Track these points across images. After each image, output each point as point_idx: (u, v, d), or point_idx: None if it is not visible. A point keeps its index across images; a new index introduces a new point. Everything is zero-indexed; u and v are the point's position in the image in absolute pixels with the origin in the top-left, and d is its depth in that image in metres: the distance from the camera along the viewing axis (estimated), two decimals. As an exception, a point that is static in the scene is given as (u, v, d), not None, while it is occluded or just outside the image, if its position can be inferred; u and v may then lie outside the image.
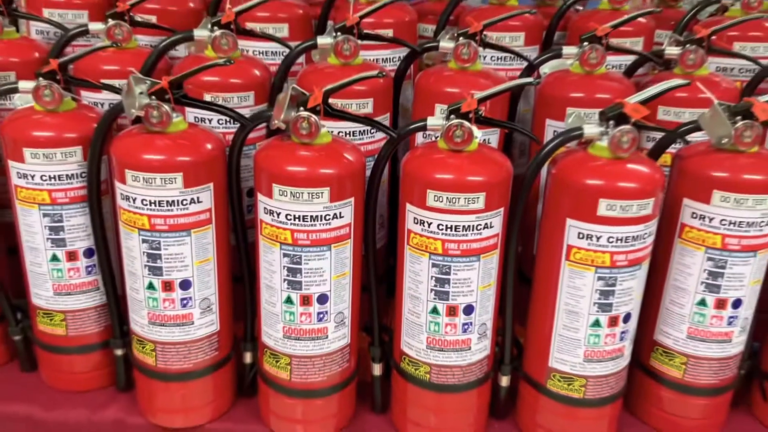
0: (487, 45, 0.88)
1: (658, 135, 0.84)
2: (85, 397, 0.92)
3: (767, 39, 0.98)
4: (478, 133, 0.74)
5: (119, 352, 0.89)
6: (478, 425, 0.87)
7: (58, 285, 0.86)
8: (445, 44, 0.88)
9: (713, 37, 0.91)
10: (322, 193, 0.73)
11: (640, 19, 1.04)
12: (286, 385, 0.83)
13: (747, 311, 0.82)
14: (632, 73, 0.95)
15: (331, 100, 0.74)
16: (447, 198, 0.72)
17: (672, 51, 0.92)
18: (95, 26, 0.92)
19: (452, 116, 0.74)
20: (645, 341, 0.87)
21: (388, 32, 0.98)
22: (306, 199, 0.73)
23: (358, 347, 0.88)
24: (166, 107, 0.73)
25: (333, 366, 0.83)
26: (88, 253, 0.85)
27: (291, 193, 0.72)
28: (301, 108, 0.73)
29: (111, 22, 0.91)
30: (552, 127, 0.89)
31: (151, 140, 0.74)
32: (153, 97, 0.73)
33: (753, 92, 0.94)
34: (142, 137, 0.75)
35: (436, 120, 0.75)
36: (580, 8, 1.07)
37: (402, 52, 0.99)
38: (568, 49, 0.89)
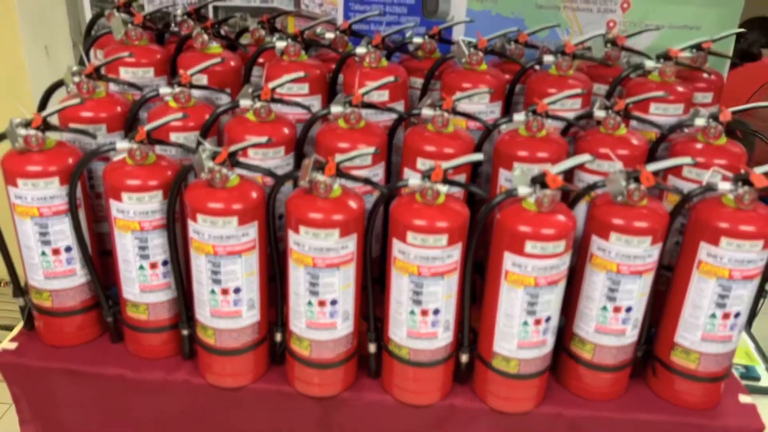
0: (457, 113, 1.17)
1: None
2: (160, 363, 1.25)
3: (676, 101, 1.27)
4: (444, 192, 1.05)
5: (185, 332, 1.22)
6: (444, 389, 1.20)
7: (143, 285, 1.18)
8: (426, 111, 1.18)
9: (630, 105, 1.20)
10: (334, 233, 1.04)
11: (581, 78, 1.34)
12: (307, 359, 1.16)
13: (637, 314, 1.14)
14: (567, 131, 1.24)
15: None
16: (421, 238, 1.04)
17: (599, 114, 1.21)
18: (164, 90, 1.22)
19: (426, 179, 1.05)
20: (567, 332, 1.20)
21: (385, 92, 1.26)
22: (323, 237, 1.04)
23: (359, 331, 1.20)
24: (225, 171, 1.05)
25: (340, 347, 1.16)
26: (164, 263, 1.17)
27: (312, 233, 1.04)
28: (320, 171, 1.04)
29: (177, 89, 1.21)
30: (504, 175, 1.20)
31: (214, 193, 1.05)
32: (216, 162, 1.05)
33: (658, 146, 1.24)
34: (208, 190, 1.06)
35: (415, 181, 1.06)
36: (538, 67, 1.35)
37: (398, 105, 1.30)
38: (517, 116, 1.18)
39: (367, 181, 1.07)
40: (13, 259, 1.25)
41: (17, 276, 1.27)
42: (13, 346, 1.27)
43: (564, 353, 1.21)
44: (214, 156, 1.05)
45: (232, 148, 1.05)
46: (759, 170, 1.06)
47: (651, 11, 1.46)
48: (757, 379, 1.45)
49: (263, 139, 1.07)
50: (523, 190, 1.04)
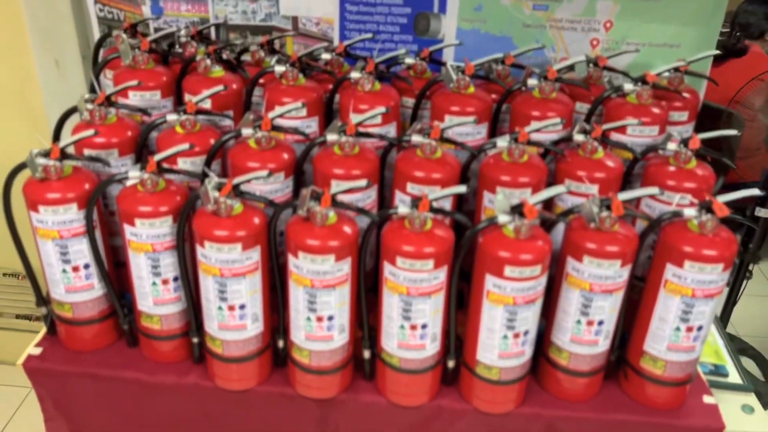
0: (444, 140, 1.26)
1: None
2: (172, 367, 1.36)
3: (652, 123, 1.35)
4: (430, 218, 1.14)
5: (195, 339, 1.33)
6: (432, 391, 1.31)
7: (156, 299, 1.29)
8: (416, 138, 1.26)
9: (607, 130, 1.29)
10: (330, 258, 1.14)
11: (562, 100, 1.42)
12: (307, 366, 1.27)
13: (609, 326, 1.24)
14: (546, 155, 1.33)
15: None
16: (409, 263, 1.13)
17: (578, 138, 1.30)
18: (171, 117, 1.30)
19: (414, 208, 1.14)
20: (546, 340, 1.31)
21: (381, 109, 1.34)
22: (320, 262, 1.14)
23: (355, 337, 1.31)
24: (230, 202, 1.14)
25: (337, 356, 1.27)
26: (175, 279, 1.28)
27: (310, 258, 1.14)
28: (317, 201, 1.14)
29: (183, 116, 1.29)
30: (487, 197, 1.29)
31: (219, 221, 1.15)
32: (221, 195, 1.14)
33: (634, 167, 1.33)
34: (214, 218, 1.15)
35: (404, 209, 1.15)
36: (524, 87, 1.43)
37: (389, 127, 1.39)
38: (500, 142, 1.27)
39: (360, 210, 1.16)
40: (35, 272, 1.36)
41: (39, 287, 1.37)
42: (37, 351, 1.39)
43: (543, 358, 1.32)
44: (219, 187, 1.14)
45: (236, 180, 1.14)
46: (721, 199, 1.15)
47: (633, 30, 1.52)
48: (726, 375, 1.56)
49: (264, 173, 1.16)
50: (503, 218, 1.14)
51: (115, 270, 1.38)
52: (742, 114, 2.57)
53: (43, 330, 1.42)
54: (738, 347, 2.83)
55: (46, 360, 1.37)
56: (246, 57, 1.55)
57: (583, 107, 1.45)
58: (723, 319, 2.72)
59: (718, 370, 1.56)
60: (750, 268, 2.93)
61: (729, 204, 1.15)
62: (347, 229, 1.16)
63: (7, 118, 1.78)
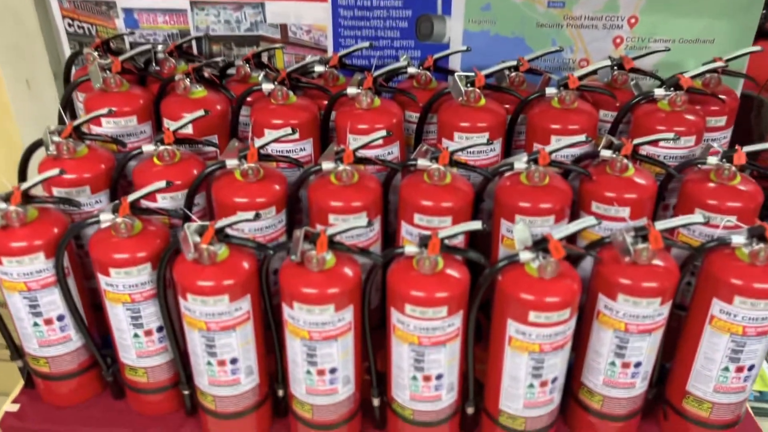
0: (454, 164, 1.11)
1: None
2: (163, 421, 1.23)
3: (687, 133, 1.20)
4: (441, 261, 1.00)
5: (186, 392, 1.21)
6: (450, 442, 1.19)
7: (138, 351, 1.16)
8: (423, 163, 1.12)
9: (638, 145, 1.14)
10: (329, 307, 1.00)
11: (586, 110, 1.27)
12: (310, 421, 1.14)
13: (646, 367, 1.10)
14: (568, 175, 1.18)
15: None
16: (420, 310, 1.00)
17: (605, 154, 1.15)
18: (148, 149, 1.16)
19: (423, 248, 1.00)
20: (576, 382, 1.17)
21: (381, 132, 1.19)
22: (317, 312, 1.01)
23: (362, 382, 1.18)
24: (213, 248, 1.00)
25: (342, 409, 1.13)
26: (159, 329, 1.14)
27: (306, 309, 1.00)
28: (312, 244, 1.00)
29: (161, 147, 1.15)
30: (505, 225, 1.14)
31: (203, 270, 1.01)
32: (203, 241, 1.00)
33: (668, 184, 1.18)
34: (197, 267, 1.02)
35: (411, 248, 1.01)
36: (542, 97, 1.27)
37: (392, 147, 1.24)
38: (518, 164, 1.12)
39: (362, 251, 1.02)
40: (7, 323, 1.23)
41: (13, 338, 1.25)
42: (15, 408, 1.26)
43: (574, 403, 1.19)
44: (201, 232, 1.01)
45: (219, 224, 1.01)
46: (775, 224, 1.00)
47: (660, 26, 1.36)
48: (772, 402, 1.43)
49: (250, 215, 1.02)
50: (524, 255, 0.99)
51: (94, 314, 1.25)
52: (769, 99, 2.40)
53: (21, 383, 1.30)
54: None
55: (25, 419, 1.25)
56: (231, 71, 1.40)
57: (607, 115, 1.30)
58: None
59: (764, 397, 1.42)
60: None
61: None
62: (348, 272, 1.02)
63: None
